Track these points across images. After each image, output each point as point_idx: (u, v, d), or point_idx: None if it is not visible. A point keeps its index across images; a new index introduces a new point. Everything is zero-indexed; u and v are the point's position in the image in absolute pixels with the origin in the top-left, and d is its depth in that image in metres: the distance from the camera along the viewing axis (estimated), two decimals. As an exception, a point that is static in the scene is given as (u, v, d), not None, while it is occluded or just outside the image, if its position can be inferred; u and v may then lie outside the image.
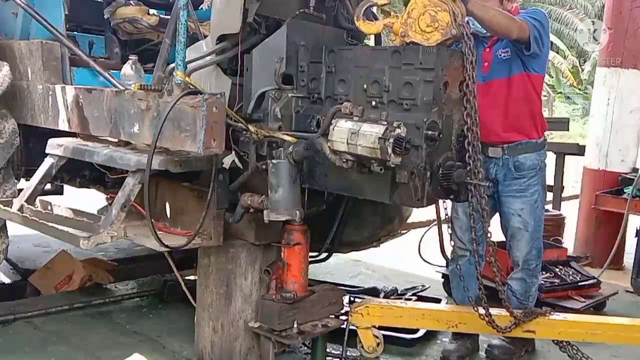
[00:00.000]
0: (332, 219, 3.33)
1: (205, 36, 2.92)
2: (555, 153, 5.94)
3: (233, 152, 2.70)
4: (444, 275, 4.47)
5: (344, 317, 3.07)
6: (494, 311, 3.03)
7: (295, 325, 2.75)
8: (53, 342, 3.35)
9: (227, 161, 2.69)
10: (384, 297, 4.04)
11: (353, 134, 2.34)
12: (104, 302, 3.94)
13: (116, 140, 2.88)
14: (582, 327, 3.16)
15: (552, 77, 22.59)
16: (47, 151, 3.09)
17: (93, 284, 4.21)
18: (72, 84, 3.14)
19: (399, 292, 4.24)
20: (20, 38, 3.33)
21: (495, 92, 3.20)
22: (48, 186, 3.50)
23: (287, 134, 2.65)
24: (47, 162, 3.10)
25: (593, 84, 6.27)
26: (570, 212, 5.72)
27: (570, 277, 4.35)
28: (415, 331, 3.58)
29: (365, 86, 2.55)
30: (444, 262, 4.47)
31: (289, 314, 2.75)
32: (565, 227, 5.28)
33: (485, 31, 3.03)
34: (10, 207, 3.06)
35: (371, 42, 3.50)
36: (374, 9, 2.76)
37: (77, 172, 3.53)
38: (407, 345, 3.53)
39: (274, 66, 2.71)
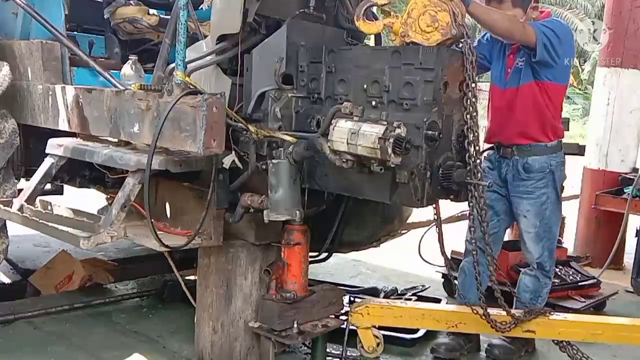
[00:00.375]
0: (332, 219, 3.32)
1: (205, 36, 2.92)
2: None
3: (233, 152, 2.70)
4: (444, 275, 4.47)
5: (344, 317, 3.07)
6: (494, 311, 3.03)
7: (295, 325, 2.75)
8: (53, 342, 3.35)
9: (227, 161, 2.69)
10: (384, 297, 4.04)
11: (353, 134, 2.34)
12: (104, 302, 3.93)
13: (116, 140, 2.88)
14: (582, 327, 3.16)
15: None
16: (47, 151, 3.08)
17: (93, 284, 4.21)
18: (72, 84, 3.13)
19: (399, 292, 4.25)
20: (20, 38, 3.33)
21: (508, 99, 3.29)
22: (48, 186, 3.50)
23: (287, 134, 2.65)
24: (47, 162, 3.10)
25: (593, 84, 6.27)
26: (570, 212, 5.72)
27: (570, 277, 4.36)
28: (415, 331, 3.58)
29: (365, 86, 2.55)
30: (444, 262, 4.47)
31: (289, 314, 2.75)
32: (565, 227, 5.27)
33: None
34: (10, 207, 3.05)
35: (371, 42, 3.50)
36: (374, 9, 2.76)
37: (77, 172, 3.53)
38: (407, 345, 3.53)
39: (274, 66, 2.71)
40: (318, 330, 2.86)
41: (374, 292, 4.17)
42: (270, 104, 2.70)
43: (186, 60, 2.53)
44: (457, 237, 4.03)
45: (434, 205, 3.08)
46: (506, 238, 4.93)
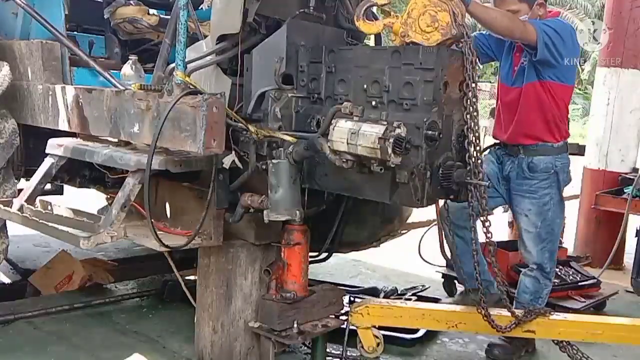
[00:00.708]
0: (332, 219, 3.33)
1: (205, 36, 2.92)
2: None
3: (233, 152, 2.70)
4: (444, 275, 4.47)
5: (344, 317, 3.07)
6: (494, 311, 3.03)
7: (295, 325, 2.75)
8: (53, 342, 3.35)
9: (227, 161, 2.69)
10: (384, 297, 4.04)
11: (353, 134, 2.33)
12: (104, 302, 3.93)
13: (116, 140, 2.88)
14: (582, 327, 3.16)
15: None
16: (47, 151, 3.08)
17: (93, 284, 4.21)
18: (72, 84, 3.13)
19: (399, 292, 4.25)
20: (20, 38, 3.33)
21: (514, 97, 3.29)
22: (48, 186, 3.50)
23: (287, 134, 2.65)
24: (47, 162, 3.10)
25: (593, 84, 6.27)
26: (570, 212, 5.71)
27: (570, 277, 4.36)
28: (415, 331, 3.58)
29: (365, 86, 2.55)
30: (444, 262, 4.48)
31: (289, 314, 2.75)
32: (565, 227, 5.27)
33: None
34: (10, 207, 3.05)
35: (371, 42, 3.50)
36: (374, 9, 2.76)
37: (77, 172, 3.53)
38: (407, 345, 3.53)
39: (274, 66, 2.70)
40: (318, 330, 2.86)
41: (374, 292, 4.17)
42: (270, 104, 2.70)
43: (186, 60, 2.52)
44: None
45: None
46: (506, 238, 4.97)
